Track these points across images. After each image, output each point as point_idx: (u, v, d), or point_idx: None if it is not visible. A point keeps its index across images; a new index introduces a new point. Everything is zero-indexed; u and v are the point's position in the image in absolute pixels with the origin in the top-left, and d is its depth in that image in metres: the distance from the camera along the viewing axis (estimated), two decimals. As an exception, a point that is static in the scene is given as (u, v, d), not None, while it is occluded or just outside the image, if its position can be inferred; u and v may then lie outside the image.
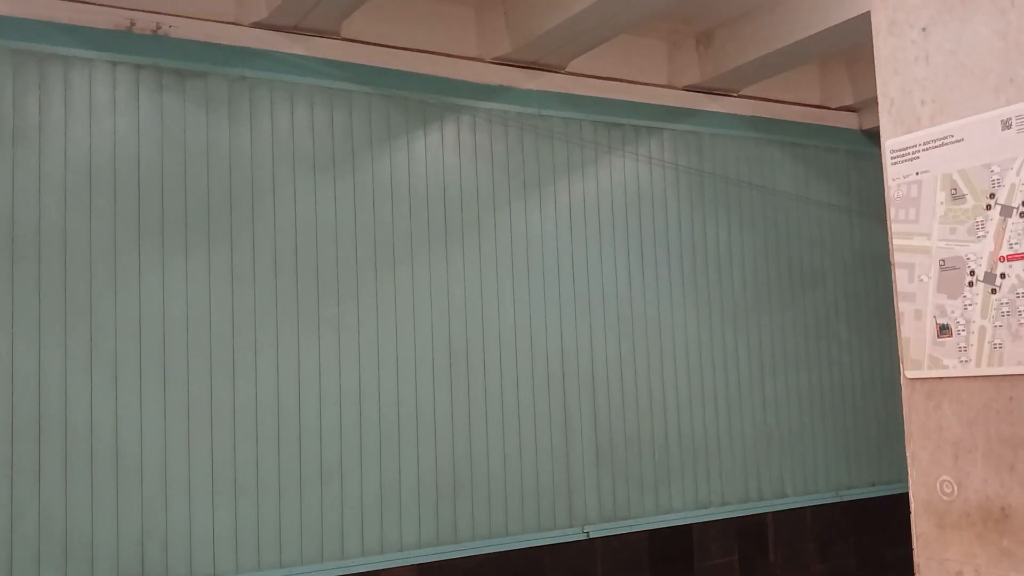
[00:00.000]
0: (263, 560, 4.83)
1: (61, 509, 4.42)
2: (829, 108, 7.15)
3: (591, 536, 5.80)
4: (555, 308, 5.85)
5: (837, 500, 6.75)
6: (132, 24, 4.79)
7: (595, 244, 6.06)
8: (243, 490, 4.83)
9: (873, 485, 6.89)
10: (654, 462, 6.09)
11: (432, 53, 5.61)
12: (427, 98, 5.55)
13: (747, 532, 6.41)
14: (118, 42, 4.74)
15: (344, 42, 5.33)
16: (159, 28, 4.85)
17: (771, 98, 6.86)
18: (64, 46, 4.61)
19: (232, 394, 4.84)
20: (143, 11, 4.81)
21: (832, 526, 6.75)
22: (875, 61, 2.11)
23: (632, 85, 6.34)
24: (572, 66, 6.06)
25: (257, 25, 5.08)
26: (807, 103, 7.04)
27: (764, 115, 6.83)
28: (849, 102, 7.13)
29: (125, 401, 4.60)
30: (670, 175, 6.42)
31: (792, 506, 6.60)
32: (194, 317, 4.78)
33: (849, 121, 7.22)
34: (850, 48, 6.50)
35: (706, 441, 6.31)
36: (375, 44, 5.41)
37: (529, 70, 5.93)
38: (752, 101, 6.79)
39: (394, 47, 5.47)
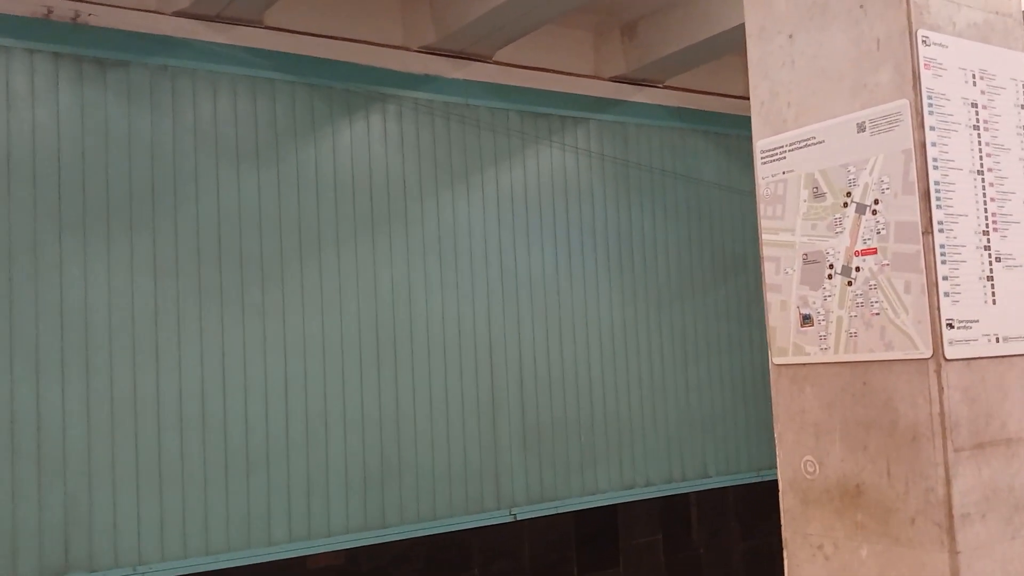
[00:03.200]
0: (189, 548, 4.87)
1: (-19, 500, 4.42)
2: (749, 98, 7.31)
3: (518, 518, 5.92)
4: (482, 296, 5.94)
5: (758, 480, 6.97)
6: (50, 12, 4.75)
7: (522, 232, 6.16)
8: (168, 479, 4.85)
9: (794, 464, 7.10)
10: (580, 445, 6.22)
11: (357, 42, 5.64)
12: (352, 87, 5.59)
13: (671, 512, 6.59)
14: (35, 30, 4.70)
15: (268, 31, 5.34)
16: (78, 16, 4.82)
17: (695, 89, 7.01)
18: (-21, 34, 4.57)
19: (156, 383, 4.86)
20: (61, -1, 4.78)
21: (753, 505, 6.96)
22: (748, 65, 2.22)
23: (558, 75, 6.43)
24: (499, 56, 6.14)
25: (179, 14, 5.07)
26: (730, 94, 7.20)
27: (688, 105, 6.98)
28: (771, 92, 7.30)
29: (47, 391, 4.59)
30: (596, 165, 6.54)
31: (715, 486, 6.80)
32: (116, 307, 4.78)
33: (772, 111, 7.39)
34: (770, 40, 6.67)
35: (631, 424, 6.47)
36: (299, 33, 5.43)
37: (455, 59, 6.00)
38: (677, 92, 6.93)
39: (318, 36, 5.50)
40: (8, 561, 4.44)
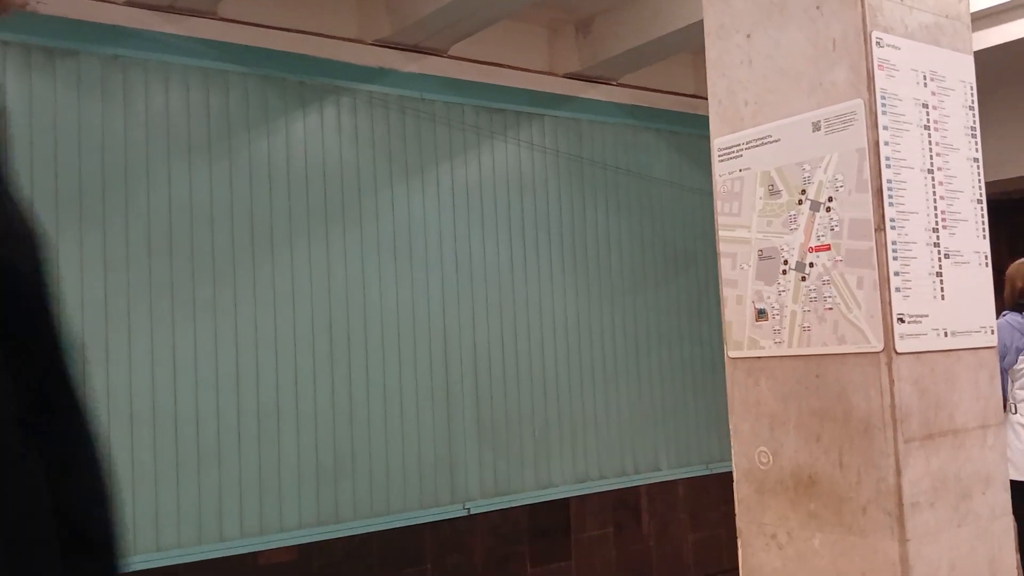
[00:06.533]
0: (139, 544, 4.81)
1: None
2: (702, 97, 7.39)
3: (472, 512, 5.93)
4: (437, 290, 5.94)
5: (708, 472, 7.07)
6: (-4, -1, 4.65)
7: (477, 227, 6.17)
8: (118, 475, 4.78)
9: (743, 458, 7.21)
10: (534, 439, 6.26)
11: (311, 34, 5.60)
12: (306, 80, 5.55)
13: (622, 504, 6.66)
14: (-19, 18, 4.60)
15: (221, 22, 5.28)
16: (27, 4, 4.72)
17: (648, 87, 7.08)
18: (-78, 21, 4.45)
19: (106, 379, 4.79)
20: (8, -14, 4.67)
21: (703, 497, 7.06)
22: (707, 63, 2.26)
23: (513, 71, 6.45)
24: (454, 50, 6.14)
25: (131, 3, 4.99)
26: (682, 92, 7.28)
27: (641, 103, 7.04)
28: (723, 91, 7.40)
29: (-8, 386, 4.50)
30: (551, 160, 6.57)
31: (665, 479, 6.88)
32: (65, 301, 4.69)
33: (723, 109, 7.49)
34: (722, 39, 6.75)
35: (584, 418, 6.52)
36: (253, 24, 5.38)
37: (410, 53, 5.98)
38: (630, 89, 6.99)
39: (272, 27, 5.45)
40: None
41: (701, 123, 7.49)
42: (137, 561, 4.77)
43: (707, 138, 7.49)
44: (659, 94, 7.14)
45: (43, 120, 4.72)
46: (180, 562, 4.89)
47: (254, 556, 5.13)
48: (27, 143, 4.67)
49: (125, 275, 4.87)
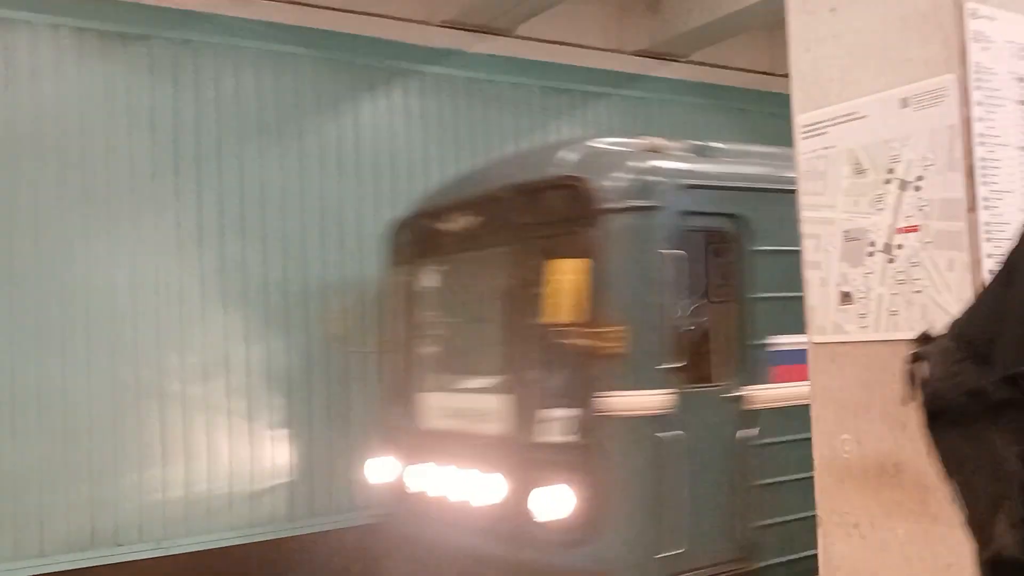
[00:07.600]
0: (212, 523, 4.90)
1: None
2: (776, 75, 7.22)
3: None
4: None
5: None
6: (73, -14, 4.73)
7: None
8: (192, 456, 4.87)
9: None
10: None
11: (380, 16, 5.60)
12: (374, 62, 5.56)
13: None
14: (59, 5, 4.68)
15: (290, 5, 5.30)
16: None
17: (719, 64, 6.94)
18: (3, 8, 4.55)
19: (181, 364, 4.87)
20: (84, -27, 4.75)
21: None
22: (788, 38, 2.19)
23: (581, 50, 6.38)
24: (521, 30, 6.09)
25: (201, -12, 5.04)
26: (755, 69, 7.12)
27: (711, 81, 6.91)
28: (796, 68, 7.22)
29: (72, 369, 4.62)
30: (618, 140, 6.48)
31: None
32: (137, 284, 4.78)
33: (795, 87, 7.31)
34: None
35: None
36: (321, 7, 5.40)
37: (478, 33, 5.95)
38: (699, 67, 6.86)
39: (340, 10, 5.46)
40: (36, 536, 4.47)
41: (773, 101, 7.27)
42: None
43: (778, 117, 7.16)
44: (730, 72, 6.99)
45: (116, 104, 4.79)
46: (253, 540, 4.98)
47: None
48: (101, 127, 4.75)
49: (198, 257, 4.94)
